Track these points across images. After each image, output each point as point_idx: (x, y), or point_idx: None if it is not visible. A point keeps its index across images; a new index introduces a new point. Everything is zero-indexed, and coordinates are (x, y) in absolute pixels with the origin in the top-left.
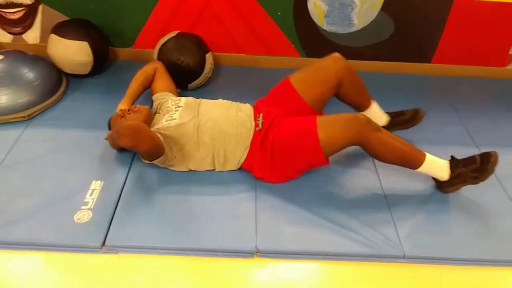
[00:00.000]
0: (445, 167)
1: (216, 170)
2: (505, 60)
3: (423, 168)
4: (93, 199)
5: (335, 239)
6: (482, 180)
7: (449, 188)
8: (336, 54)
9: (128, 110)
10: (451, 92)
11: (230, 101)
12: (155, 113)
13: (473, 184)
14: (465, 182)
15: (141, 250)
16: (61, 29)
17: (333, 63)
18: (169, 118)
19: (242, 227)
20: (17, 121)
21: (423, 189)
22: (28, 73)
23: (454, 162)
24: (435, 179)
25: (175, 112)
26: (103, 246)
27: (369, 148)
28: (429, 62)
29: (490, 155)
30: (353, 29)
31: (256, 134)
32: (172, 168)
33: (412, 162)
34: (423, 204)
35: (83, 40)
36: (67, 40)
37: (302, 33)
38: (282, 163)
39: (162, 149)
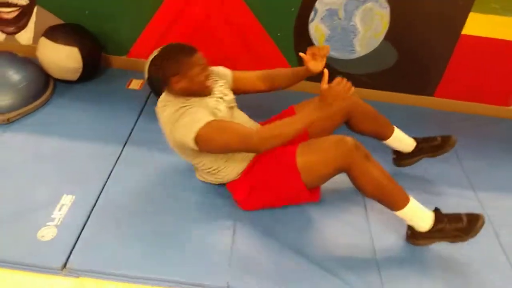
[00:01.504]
0: (429, 218)
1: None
2: (509, 100)
3: (403, 213)
4: (61, 215)
5: (313, 283)
6: (463, 241)
7: (422, 240)
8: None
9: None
10: (451, 128)
11: (248, 117)
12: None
13: (450, 242)
14: (443, 238)
15: (104, 276)
16: (52, 33)
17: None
18: (217, 101)
19: (216, 259)
20: None
21: None
22: (14, 75)
23: (439, 215)
24: (410, 228)
25: (220, 102)
26: (64, 268)
27: (353, 177)
28: (431, 95)
29: (478, 218)
30: (355, 56)
31: (255, 157)
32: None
33: (393, 202)
34: (412, 252)
35: (73, 46)
36: (57, 44)
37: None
38: (262, 190)
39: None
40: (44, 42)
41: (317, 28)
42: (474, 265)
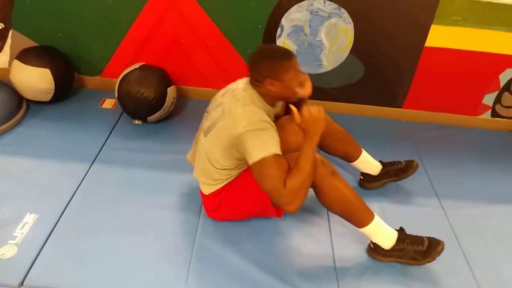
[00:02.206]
0: (392, 237)
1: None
2: (477, 109)
3: (367, 230)
4: (22, 233)
5: None
6: (418, 264)
7: (381, 257)
8: (311, 106)
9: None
10: (419, 138)
11: None
12: None
13: (406, 264)
14: (401, 258)
15: None
16: (25, 55)
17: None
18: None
19: (172, 275)
20: None
21: None
22: None
23: (402, 235)
24: (372, 242)
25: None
26: (22, 286)
27: (319, 193)
28: (400, 107)
29: (438, 244)
30: (322, 70)
31: None
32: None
33: (358, 219)
34: (372, 262)
35: (45, 67)
36: (29, 66)
37: None
38: (230, 203)
39: None
40: (17, 65)
41: (284, 44)
42: (435, 273)
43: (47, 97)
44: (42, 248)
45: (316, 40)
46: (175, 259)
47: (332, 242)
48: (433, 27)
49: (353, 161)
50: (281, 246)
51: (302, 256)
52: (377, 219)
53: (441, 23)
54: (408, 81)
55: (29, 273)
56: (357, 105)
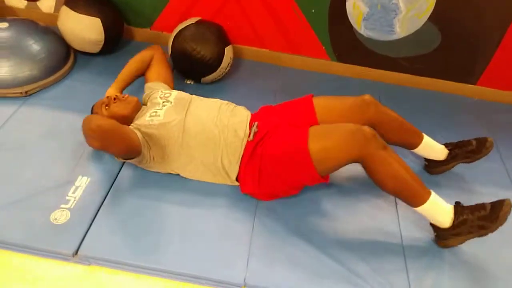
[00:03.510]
0: (449, 211)
1: (204, 180)
2: None
3: (423, 208)
4: (75, 197)
5: (335, 283)
6: (491, 230)
7: (450, 239)
8: (367, 98)
9: (115, 98)
10: (494, 120)
11: (226, 102)
12: (143, 105)
13: (479, 236)
14: (471, 233)
15: (116, 265)
16: (74, 2)
17: (361, 110)
18: (154, 113)
19: (233, 253)
20: (14, 97)
21: None
22: (33, 46)
23: (459, 208)
24: (434, 228)
25: (161, 107)
26: (76, 255)
27: (370, 169)
28: (474, 83)
29: (502, 203)
30: (394, 37)
31: (248, 145)
32: (150, 170)
33: (413, 197)
34: (443, 255)
35: (95, 16)
36: (78, 14)
37: (336, 35)
38: (270, 179)
39: (137, 150)
40: (66, 11)
41: (355, 6)
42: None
43: (96, 49)
44: (96, 215)
45: (392, 3)
46: (234, 236)
47: (400, 227)
48: None
49: (414, 148)
50: (343, 223)
51: (367, 235)
52: (434, 196)
53: None
54: (489, 56)
55: (83, 242)
56: (426, 77)
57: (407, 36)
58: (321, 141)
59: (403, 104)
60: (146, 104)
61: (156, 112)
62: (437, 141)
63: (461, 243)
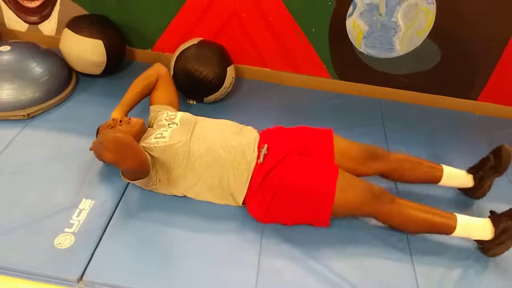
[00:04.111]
0: (486, 225)
1: (209, 200)
2: None
3: (457, 234)
4: (79, 221)
5: None
6: None
7: (495, 249)
8: (379, 151)
9: (120, 120)
10: (495, 136)
11: (232, 123)
12: (149, 127)
13: None
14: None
15: None
16: (76, 24)
17: (372, 159)
18: (159, 135)
19: (241, 278)
20: (16, 120)
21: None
22: (36, 68)
23: (495, 217)
24: (478, 241)
25: (167, 129)
26: (81, 280)
27: (386, 221)
28: (475, 99)
29: None
30: (394, 54)
31: (258, 167)
32: (156, 191)
33: (440, 229)
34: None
35: (97, 38)
36: (80, 36)
37: (336, 53)
38: (280, 208)
39: (148, 169)
40: (68, 34)
41: (355, 24)
42: None
43: (98, 70)
44: (101, 239)
45: (391, 21)
46: (241, 260)
47: (409, 244)
48: None
49: (438, 182)
50: (354, 244)
51: (379, 261)
52: (461, 219)
53: None
54: (489, 71)
55: (88, 267)
56: (427, 94)
57: (407, 53)
58: (346, 188)
59: (404, 121)
60: (152, 126)
61: (161, 134)
62: (440, 158)
63: (508, 249)
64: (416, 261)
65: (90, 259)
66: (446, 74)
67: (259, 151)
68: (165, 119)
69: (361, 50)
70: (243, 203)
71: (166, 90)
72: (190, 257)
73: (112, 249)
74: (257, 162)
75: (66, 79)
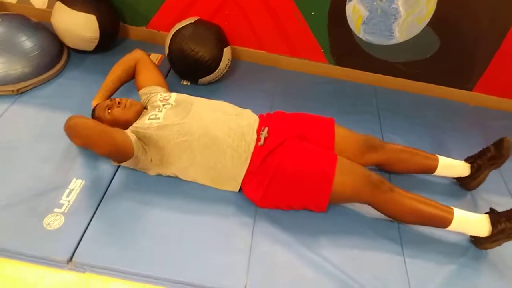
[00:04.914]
0: (483, 222)
1: (208, 185)
2: None
3: (453, 228)
4: (69, 201)
5: None
6: None
7: (488, 244)
8: (376, 142)
9: (119, 102)
10: (489, 127)
11: (230, 105)
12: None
13: None
14: (508, 238)
15: (112, 273)
16: None
17: (370, 150)
18: (153, 116)
19: (233, 262)
20: (5, 95)
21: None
22: (26, 42)
23: (495, 216)
24: (472, 236)
25: (161, 110)
26: (70, 262)
27: (382, 210)
28: (470, 90)
29: None
30: (393, 41)
31: (257, 150)
32: (148, 172)
33: (437, 222)
34: (444, 264)
35: (91, 13)
36: (73, 10)
37: (334, 38)
38: (278, 191)
39: (128, 151)
40: (60, 7)
41: (355, 9)
42: None
43: (90, 46)
44: (91, 220)
45: (392, 8)
46: (234, 244)
47: (400, 234)
48: None
49: (433, 172)
50: (345, 231)
51: (370, 249)
52: (458, 214)
53: None
54: (486, 63)
55: (77, 248)
56: (423, 83)
57: (406, 41)
58: (344, 175)
59: (399, 109)
60: (146, 108)
61: (156, 115)
62: (434, 147)
63: (498, 246)
64: (406, 252)
65: (80, 240)
66: (443, 64)
67: (258, 134)
68: (159, 100)
69: (360, 36)
70: (240, 189)
71: (149, 71)
72: (181, 240)
73: (103, 230)
74: (256, 144)
75: (57, 54)
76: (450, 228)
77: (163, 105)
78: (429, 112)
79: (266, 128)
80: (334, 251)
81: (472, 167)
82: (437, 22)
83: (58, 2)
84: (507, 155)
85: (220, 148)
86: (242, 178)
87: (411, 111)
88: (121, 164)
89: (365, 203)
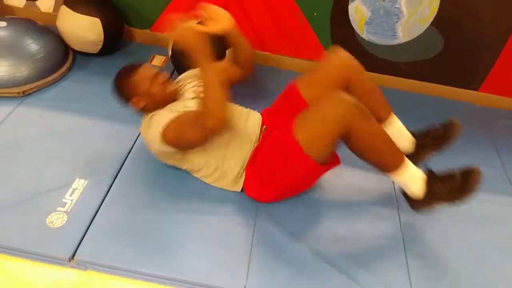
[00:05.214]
0: (420, 181)
1: (211, 184)
2: None
3: (396, 175)
4: (71, 200)
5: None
6: (462, 202)
7: (421, 207)
8: (341, 51)
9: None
10: (496, 127)
11: (239, 107)
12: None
13: (450, 205)
14: (440, 201)
15: (113, 271)
16: (73, 1)
17: (336, 61)
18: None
19: (233, 261)
20: (11, 97)
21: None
22: (32, 45)
23: (431, 179)
24: (405, 196)
25: (191, 100)
26: (72, 259)
27: (353, 139)
28: (476, 90)
29: (472, 173)
30: (396, 41)
31: (255, 148)
32: (164, 162)
33: (387, 163)
34: (445, 260)
35: (95, 17)
36: (78, 14)
37: (337, 38)
38: (271, 177)
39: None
40: (65, 11)
41: (357, 9)
42: None
43: (95, 49)
44: (93, 219)
45: (394, 7)
46: (234, 243)
47: (402, 233)
48: None
49: (381, 123)
50: (344, 228)
51: (370, 248)
52: (408, 165)
53: None
54: (491, 62)
55: (79, 247)
56: (427, 83)
57: (409, 40)
58: (306, 125)
59: (403, 109)
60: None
61: (186, 105)
62: None
63: (432, 208)
64: (408, 251)
65: (82, 238)
66: (448, 63)
67: (260, 133)
68: (191, 88)
69: (363, 36)
70: (241, 189)
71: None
72: (182, 239)
73: (105, 229)
74: (257, 143)
75: (63, 57)
76: (391, 175)
77: (193, 97)
78: (434, 113)
79: (265, 127)
80: (334, 250)
81: (416, 144)
82: (440, 22)
83: (63, 6)
84: (455, 138)
85: (227, 147)
86: (244, 178)
87: (415, 111)
88: (172, 150)
89: (342, 135)
